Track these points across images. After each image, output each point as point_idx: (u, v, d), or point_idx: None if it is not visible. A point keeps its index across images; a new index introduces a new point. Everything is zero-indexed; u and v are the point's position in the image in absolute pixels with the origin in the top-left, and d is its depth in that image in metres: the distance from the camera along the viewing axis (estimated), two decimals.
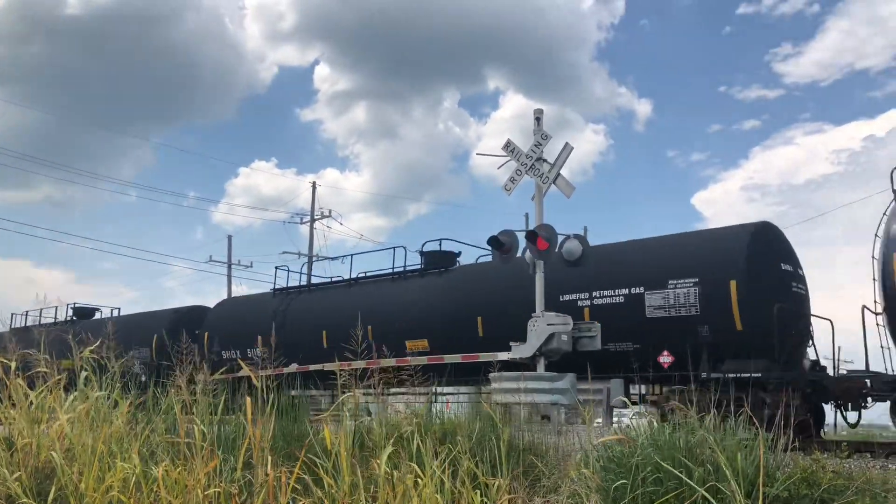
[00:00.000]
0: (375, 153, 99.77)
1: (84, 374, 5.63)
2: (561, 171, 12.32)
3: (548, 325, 11.59)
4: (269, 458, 3.79)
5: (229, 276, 41.62)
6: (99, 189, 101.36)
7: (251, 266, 42.86)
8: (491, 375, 12.02)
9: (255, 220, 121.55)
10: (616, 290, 12.84)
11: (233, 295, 36.57)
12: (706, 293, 11.77)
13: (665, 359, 11.66)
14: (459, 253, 17.02)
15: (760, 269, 11.86)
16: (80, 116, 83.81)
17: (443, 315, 15.18)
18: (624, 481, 4.80)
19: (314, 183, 41.00)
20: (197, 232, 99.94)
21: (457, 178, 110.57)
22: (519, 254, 12.83)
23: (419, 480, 4.12)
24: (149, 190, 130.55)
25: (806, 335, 12.24)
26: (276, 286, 20.64)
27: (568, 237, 12.47)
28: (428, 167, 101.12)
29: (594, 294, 13.06)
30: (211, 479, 4.27)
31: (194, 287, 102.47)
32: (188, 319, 21.34)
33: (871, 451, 9.15)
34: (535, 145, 12.40)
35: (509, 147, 12.67)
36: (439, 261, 16.56)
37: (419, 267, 16.83)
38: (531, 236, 11.99)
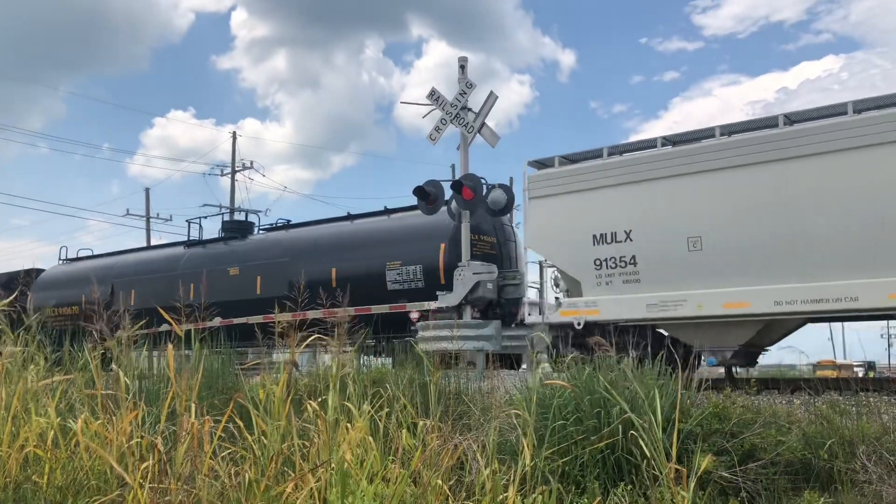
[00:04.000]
0: (297, 103, 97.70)
1: None
2: (486, 121, 12.36)
3: (473, 273, 11.75)
4: (194, 406, 3.74)
5: (148, 230, 40.50)
6: (6, 140, 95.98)
7: (171, 219, 41.77)
8: (419, 324, 12.14)
9: (173, 173, 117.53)
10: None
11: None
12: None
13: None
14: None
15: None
16: None
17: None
18: (562, 422, 4.96)
19: (234, 133, 39.95)
20: (113, 185, 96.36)
21: (382, 129, 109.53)
22: (444, 207, 12.89)
23: (350, 424, 4.17)
24: (60, 141, 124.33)
25: None
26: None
27: (493, 187, 12.58)
28: (352, 117, 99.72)
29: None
30: (134, 432, 4.20)
31: (112, 241, 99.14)
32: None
33: (777, 388, 9.69)
34: (460, 94, 12.37)
35: (434, 96, 12.60)
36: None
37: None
38: (457, 186, 12.05)
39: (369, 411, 4.50)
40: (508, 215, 15.07)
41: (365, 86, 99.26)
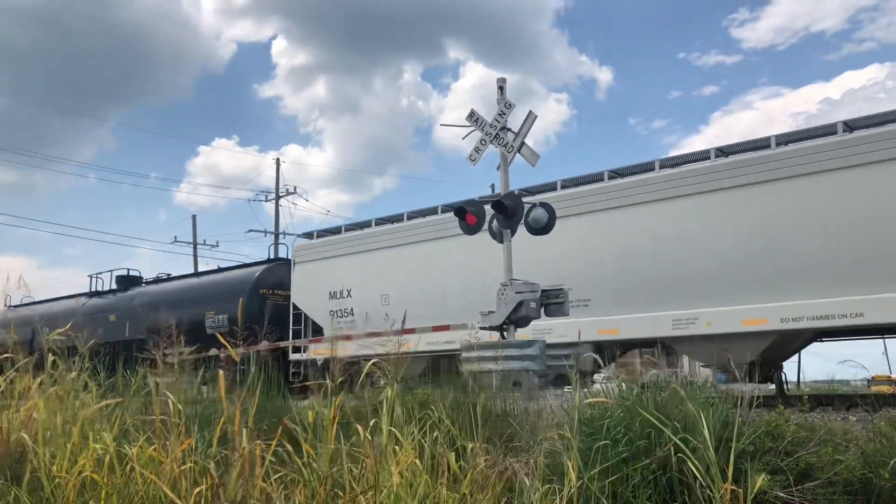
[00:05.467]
0: (338, 128, 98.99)
1: (52, 357, 5.57)
2: (525, 140, 12.35)
3: (516, 293, 11.69)
4: (246, 431, 3.79)
5: (195, 256, 41.26)
6: (59, 172, 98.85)
7: (217, 245, 42.60)
8: (462, 345, 12.12)
9: (218, 200, 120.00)
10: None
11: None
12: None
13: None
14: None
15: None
16: (35, 98, 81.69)
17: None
18: (606, 442, 4.90)
19: (278, 160, 40.70)
20: (160, 213, 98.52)
21: (421, 151, 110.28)
22: (485, 226, 12.89)
23: (396, 448, 4.18)
24: (109, 172, 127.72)
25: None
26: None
27: (534, 206, 12.54)
28: (391, 141, 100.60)
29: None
30: (187, 456, 4.27)
31: (160, 268, 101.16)
32: None
33: (831, 405, 9.44)
34: (500, 114, 12.39)
35: (473, 117, 12.64)
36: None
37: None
38: (498, 205, 12.04)
39: (416, 435, 4.51)
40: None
41: (403, 109, 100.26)
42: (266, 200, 40.49)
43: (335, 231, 18.46)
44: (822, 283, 11.13)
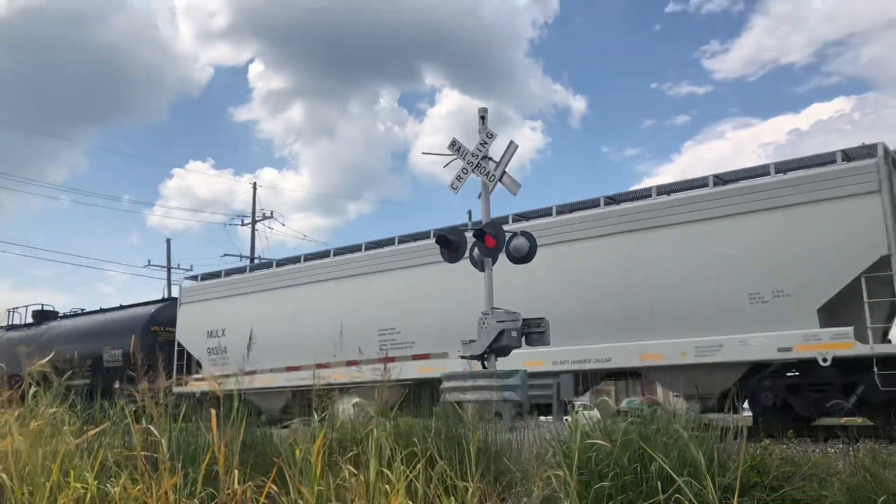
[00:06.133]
0: (314, 152, 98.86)
1: (32, 389, 5.42)
2: (506, 170, 12.41)
3: (497, 322, 11.67)
4: (236, 473, 3.71)
5: (169, 280, 40.75)
6: (29, 194, 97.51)
7: (191, 269, 42.07)
8: (442, 375, 12.06)
9: (193, 223, 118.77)
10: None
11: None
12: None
13: None
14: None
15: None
16: (5, 120, 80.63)
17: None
18: (609, 483, 4.87)
19: (254, 183, 40.52)
20: (133, 236, 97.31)
21: (397, 176, 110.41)
22: (467, 253, 12.89)
23: (387, 487, 4.10)
24: (82, 194, 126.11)
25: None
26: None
27: (515, 234, 12.58)
28: (368, 165, 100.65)
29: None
30: (171, 495, 4.17)
31: (132, 292, 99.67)
32: None
33: (811, 436, 9.50)
34: (481, 144, 12.45)
35: (455, 146, 12.69)
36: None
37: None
38: (479, 234, 12.05)
39: (405, 472, 4.43)
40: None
41: (380, 134, 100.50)
42: (242, 224, 40.24)
43: (217, 275, 20.53)
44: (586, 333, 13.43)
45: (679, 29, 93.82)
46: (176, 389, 17.70)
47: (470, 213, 31.88)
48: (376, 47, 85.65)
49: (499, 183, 12.49)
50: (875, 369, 10.74)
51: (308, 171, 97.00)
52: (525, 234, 12.68)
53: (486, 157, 12.46)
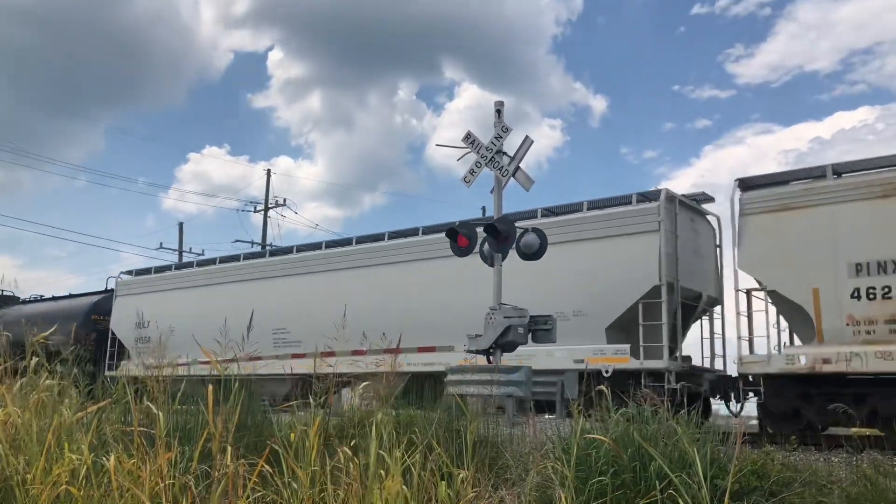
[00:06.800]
0: (330, 142, 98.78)
1: (35, 360, 5.45)
2: (520, 165, 12.34)
3: (504, 317, 11.63)
4: (230, 449, 3.70)
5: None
6: (47, 173, 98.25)
7: (202, 254, 42.30)
8: (447, 368, 12.04)
9: (206, 208, 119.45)
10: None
11: None
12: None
13: None
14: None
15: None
16: (27, 99, 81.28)
17: None
18: (602, 478, 4.84)
19: (269, 171, 40.55)
20: (147, 218, 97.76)
21: (412, 170, 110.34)
22: (476, 248, 12.85)
23: (382, 472, 4.09)
24: (98, 174, 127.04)
25: None
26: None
27: (526, 231, 12.52)
28: (383, 157, 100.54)
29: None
30: (166, 471, 4.16)
31: None
32: None
33: (816, 445, 9.41)
34: (496, 138, 12.38)
35: (469, 139, 12.63)
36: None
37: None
38: (490, 229, 12.01)
39: (402, 458, 4.41)
40: None
41: (397, 127, 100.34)
42: (255, 211, 40.31)
43: (148, 271, 23.14)
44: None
45: (704, 31, 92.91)
46: (108, 373, 18.86)
47: (484, 208, 31.83)
48: (396, 39, 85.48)
49: (512, 178, 12.43)
50: (643, 381, 13.20)
51: (323, 161, 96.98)
52: (536, 230, 12.62)
53: (500, 152, 12.40)
